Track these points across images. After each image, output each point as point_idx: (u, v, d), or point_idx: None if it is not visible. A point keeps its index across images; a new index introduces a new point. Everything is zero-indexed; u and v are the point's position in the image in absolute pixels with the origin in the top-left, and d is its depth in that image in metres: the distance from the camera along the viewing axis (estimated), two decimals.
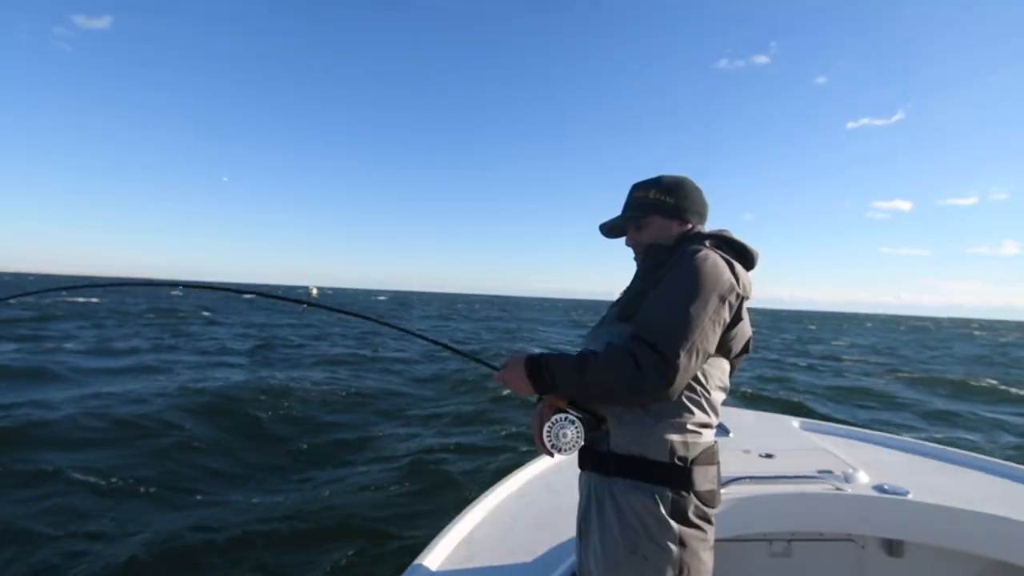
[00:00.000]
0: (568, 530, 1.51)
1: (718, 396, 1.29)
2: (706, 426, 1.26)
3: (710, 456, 1.25)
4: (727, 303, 1.21)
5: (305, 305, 1.82)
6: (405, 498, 4.83)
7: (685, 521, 1.18)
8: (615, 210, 1.49)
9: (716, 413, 1.29)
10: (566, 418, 1.25)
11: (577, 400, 1.26)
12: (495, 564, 1.62)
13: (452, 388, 10.43)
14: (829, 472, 2.16)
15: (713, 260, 1.24)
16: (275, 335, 19.17)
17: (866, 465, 2.28)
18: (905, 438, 2.94)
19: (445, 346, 1.64)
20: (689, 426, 1.22)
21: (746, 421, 3.29)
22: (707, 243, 1.32)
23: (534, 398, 1.33)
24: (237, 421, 7.15)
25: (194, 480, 5.18)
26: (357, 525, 4.25)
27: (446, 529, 1.79)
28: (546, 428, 1.25)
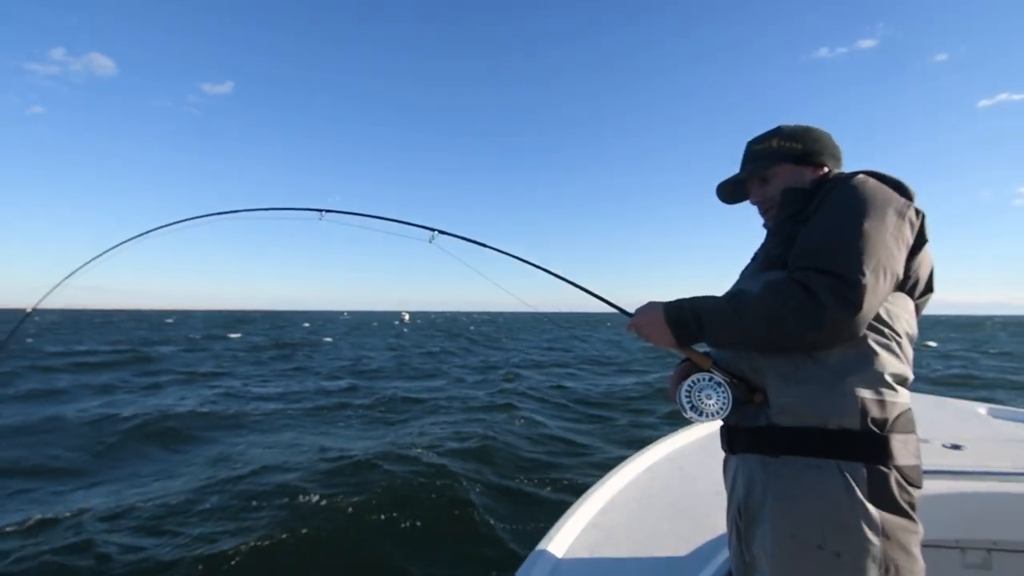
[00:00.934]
0: (710, 520, 1.27)
1: (908, 345, 1.04)
2: (903, 380, 1.00)
3: (910, 422, 1.00)
4: (907, 220, 1.00)
5: (322, 213, 1.75)
6: None
7: (888, 505, 0.92)
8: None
9: (911, 366, 1.03)
10: (711, 379, 1.04)
11: (728, 352, 1.06)
12: (627, 555, 1.41)
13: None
14: None
15: (875, 181, 1.04)
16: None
17: None
18: None
19: (582, 288, 1.48)
20: (886, 377, 0.96)
21: (919, 405, 2.81)
22: (860, 174, 1.09)
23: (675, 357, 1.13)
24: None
25: None
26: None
27: (568, 513, 1.62)
28: (685, 386, 1.05)
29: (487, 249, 1.61)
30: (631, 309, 1.19)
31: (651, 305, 1.11)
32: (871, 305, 0.93)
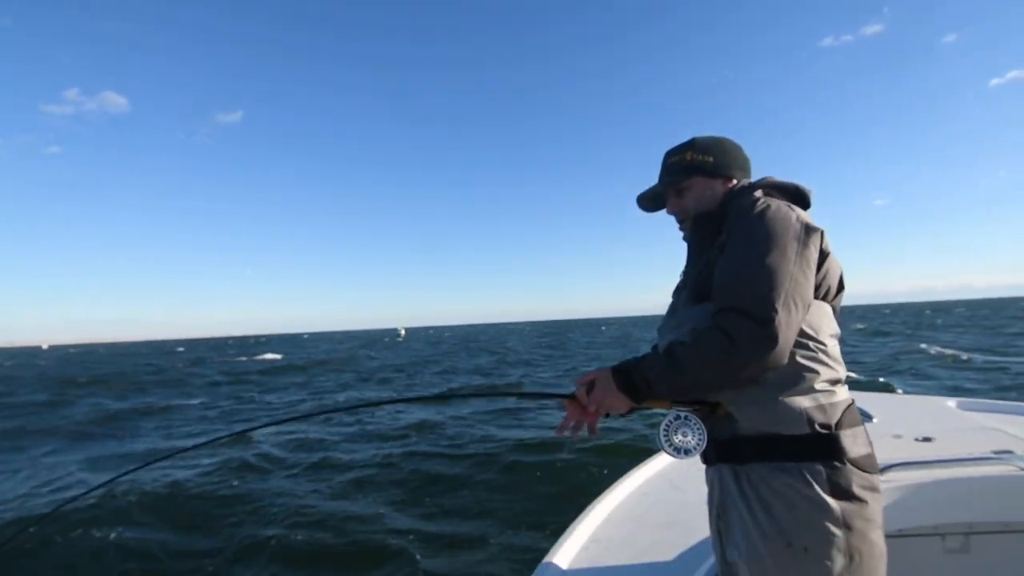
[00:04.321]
0: (700, 528, 1.41)
1: (834, 344, 1.14)
2: (836, 382, 1.11)
3: (854, 416, 1.09)
4: (808, 243, 1.08)
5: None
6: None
7: (848, 496, 1.01)
8: None
9: (841, 364, 1.14)
10: (676, 416, 1.15)
11: (679, 400, 1.16)
12: (626, 563, 1.56)
13: None
14: (1010, 452, 1.85)
15: (772, 204, 1.12)
16: None
17: None
18: None
19: (507, 394, 1.60)
20: (817, 385, 1.07)
21: (890, 405, 2.93)
22: (759, 192, 1.20)
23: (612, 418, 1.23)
24: None
25: None
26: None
27: (570, 529, 1.75)
28: (661, 434, 1.15)
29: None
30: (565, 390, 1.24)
31: (598, 377, 1.16)
32: (787, 337, 1.01)
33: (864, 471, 1.05)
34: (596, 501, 1.99)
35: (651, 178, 1.39)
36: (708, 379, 1.06)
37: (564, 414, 1.23)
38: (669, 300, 1.36)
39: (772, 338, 0.99)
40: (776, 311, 1.00)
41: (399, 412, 9.51)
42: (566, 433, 1.23)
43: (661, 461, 2.37)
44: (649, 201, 1.39)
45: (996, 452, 1.87)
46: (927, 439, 2.15)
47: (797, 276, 1.04)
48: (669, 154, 1.35)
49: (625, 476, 2.23)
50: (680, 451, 1.15)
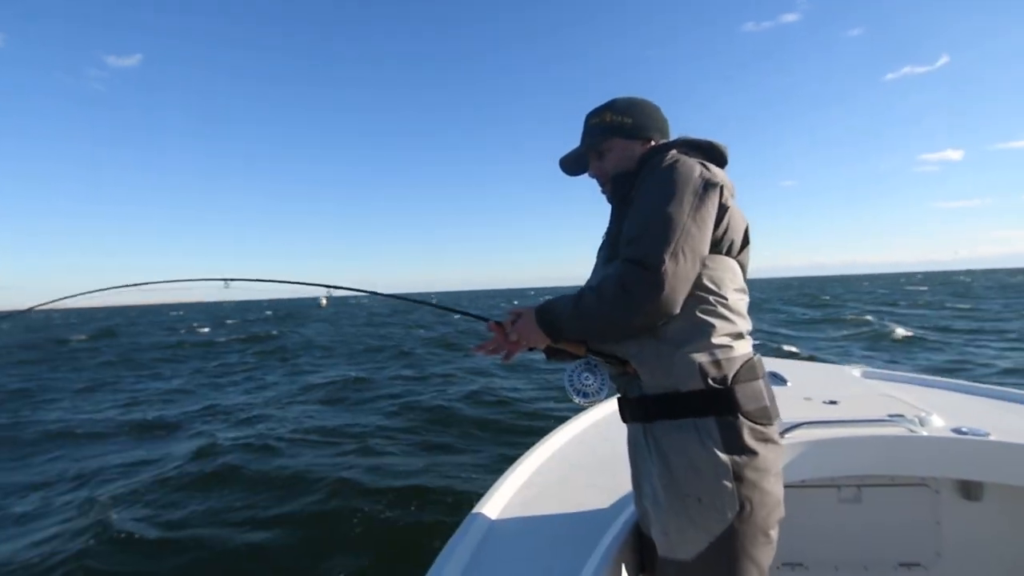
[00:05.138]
0: (628, 475, 1.49)
1: (738, 299, 1.17)
2: (736, 336, 1.14)
3: (753, 370, 1.12)
4: (705, 197, 1.10)
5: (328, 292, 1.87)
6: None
7: (739, 449, 1.06)
8: None
9: (744, 319, 1.17)
10: (584, 362, 1.21)
11: (588, 344, 1.20)
12: (554, 512, 1.61)
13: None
14: (901, 416, 2.05)
15: (679, 160, 1.16)
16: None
17: (940, 409, 2.16)
18: (981, 384, 2.75)
19: (449, 309, 1.71)
20: (715, 340, 1.10)
21: (803, 371, 3.17)
22: (673, 151, 1.22)
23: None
24: None
25: None
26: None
27: (503, 477, 1.79)
28: (567, 374, 1.21)
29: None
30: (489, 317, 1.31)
31: (524, 310, 1.22)
32: (674, 286, 1.03)
33: (757, 423, 1.09)
34: (531, 449, 2.04)
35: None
36: (605, 324, 1.10)
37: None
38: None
39: (657, 284, 1.02)
40: (663, 260, 1.03)
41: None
42: (481, 353, 1.29)
43: (597, 413, 2.45)
44: (572, 164, 1.39)
45: (890, 415, 2.07)
46: (833, 402, 2.34)
47: (690, 228, 1.07)
48: (589, 116, 1.35)
49: (560, 427, 2.30)
50: (580, 393, 1.21)
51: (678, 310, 1.07)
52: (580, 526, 1.50)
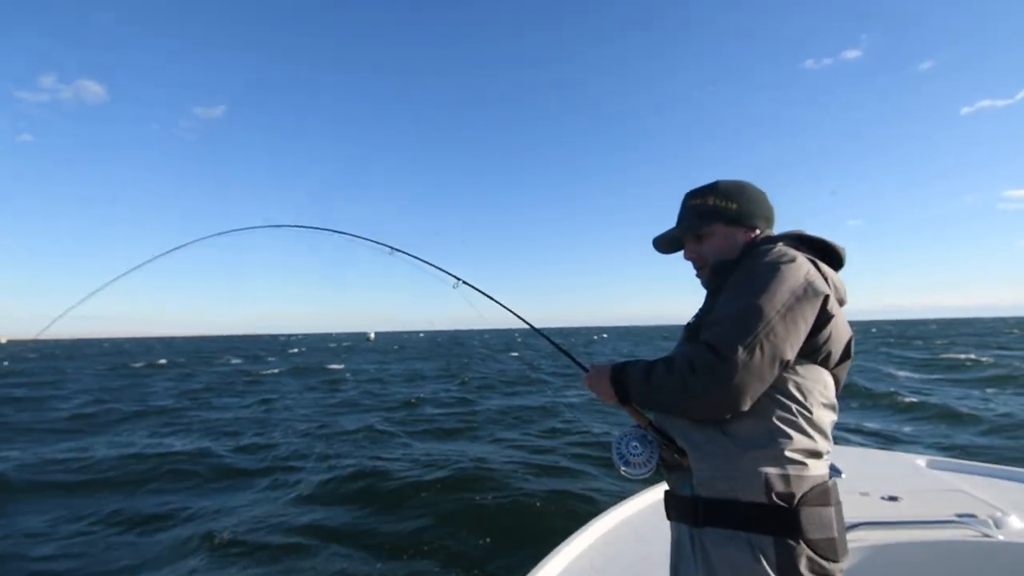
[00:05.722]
0: None
1: (823, 415, 1.08)
2: (813, 454, 1.05)
3: (824, 494, 1.03)
4: (804, 299, 1.03)
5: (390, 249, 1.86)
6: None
7: None
8: None
9: (826, 438, 1.09)
10: (639, 430, 1.17)
11: (648, 412, 1.18)
12: None
13: None
14: (972, 516, 1.85)
15: (788, 255, 1.09)
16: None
17: (1018, 508, 1.94)
18: None
19: (548, 338, 1.64)
20: (788, 454, 1.02)
21: (860, 460, 2.93)
22: (781, 244, 1.15)
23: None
24: None
25: None
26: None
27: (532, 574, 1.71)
28: (617, 436, 1.18)
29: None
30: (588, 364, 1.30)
31: (603, 365, 1.22)
32: (744, 380, 0.98)
33: (820, 555, 1.00)
34: (555, 549, 1.94)
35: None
36: (668, 399, 1.08)
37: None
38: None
39: (726, 374, 0.98)
40: (737, 351, 0.98)
41: None
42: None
43: (627, 509, 2.33)
44: (666, 244, 1.36)
45: (959, 515, 1.88)
46: (893, 498, 2.15)
47: (775, 325, 1.00)
48: (690, 196, 1.30)
49: (589, 523, 2.19)
50: (623, 460, 1.15)
51: (745, 407, 1.01)
52: None
